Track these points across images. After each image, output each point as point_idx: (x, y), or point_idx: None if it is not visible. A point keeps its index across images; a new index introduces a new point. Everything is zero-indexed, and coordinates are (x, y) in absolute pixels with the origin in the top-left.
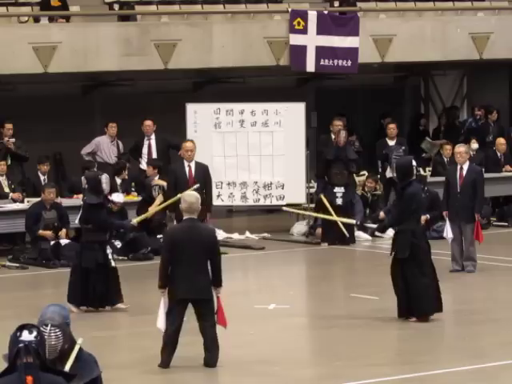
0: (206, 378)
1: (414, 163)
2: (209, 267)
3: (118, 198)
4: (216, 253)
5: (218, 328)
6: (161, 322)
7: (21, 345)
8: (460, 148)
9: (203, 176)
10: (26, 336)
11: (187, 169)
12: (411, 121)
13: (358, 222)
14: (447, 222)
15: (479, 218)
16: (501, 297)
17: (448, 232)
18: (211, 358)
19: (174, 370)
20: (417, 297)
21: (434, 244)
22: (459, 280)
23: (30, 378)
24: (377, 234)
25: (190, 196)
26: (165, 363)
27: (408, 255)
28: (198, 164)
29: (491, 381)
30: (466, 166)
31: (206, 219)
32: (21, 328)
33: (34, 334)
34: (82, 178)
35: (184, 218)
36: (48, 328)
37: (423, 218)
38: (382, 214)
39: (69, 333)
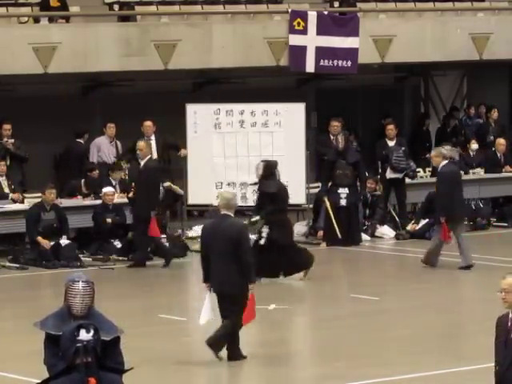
0: (205, 377)
1: None
2: None
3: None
4: (243, 248)
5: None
6: (203, 318)
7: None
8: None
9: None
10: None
11: None
12: (416, 121)
13: None
14: None
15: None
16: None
17: None
18: (229, 353)
19: (174, 369)
20: None
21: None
22: (457, 280)
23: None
24: (377, 234)
25: (228, 193)
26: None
27: None
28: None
29: (491, 381)
30: None
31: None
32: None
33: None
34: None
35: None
36: (80, 284)
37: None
38: None
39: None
